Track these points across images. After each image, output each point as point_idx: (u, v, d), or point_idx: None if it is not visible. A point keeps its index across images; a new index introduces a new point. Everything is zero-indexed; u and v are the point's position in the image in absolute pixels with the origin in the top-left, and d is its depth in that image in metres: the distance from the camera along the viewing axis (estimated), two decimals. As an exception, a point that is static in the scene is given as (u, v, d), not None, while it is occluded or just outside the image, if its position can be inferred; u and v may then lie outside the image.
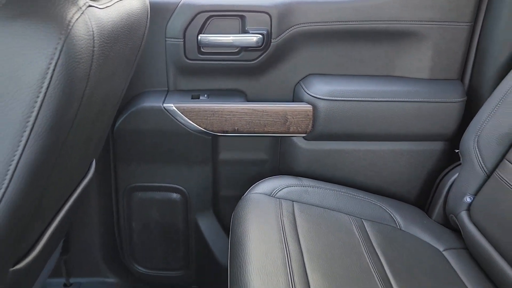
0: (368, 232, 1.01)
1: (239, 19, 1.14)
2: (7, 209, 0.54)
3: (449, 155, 1.20)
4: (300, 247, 0.89)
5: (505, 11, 1.09)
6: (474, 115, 1.09)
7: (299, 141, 1.20)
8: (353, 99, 1.15)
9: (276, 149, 1.24)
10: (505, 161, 0.97)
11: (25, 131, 0.50)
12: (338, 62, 1.20)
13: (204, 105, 1.15)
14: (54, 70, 0.50)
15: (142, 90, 1.21)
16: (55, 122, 0.53)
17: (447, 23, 1.14)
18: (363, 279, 0.84)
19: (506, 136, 0.99)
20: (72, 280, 1.33)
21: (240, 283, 0.78)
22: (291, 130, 1.17)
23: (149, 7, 0.92)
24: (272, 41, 1.15)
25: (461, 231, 1.03)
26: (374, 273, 0.86)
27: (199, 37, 1.14)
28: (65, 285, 1.32)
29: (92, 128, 0.81)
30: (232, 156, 1.24)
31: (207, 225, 1.29)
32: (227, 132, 1.17)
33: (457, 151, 1.14)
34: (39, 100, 0.50)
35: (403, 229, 1.07)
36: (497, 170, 0.98)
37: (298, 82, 1.21)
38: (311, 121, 1.16)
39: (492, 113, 1.04)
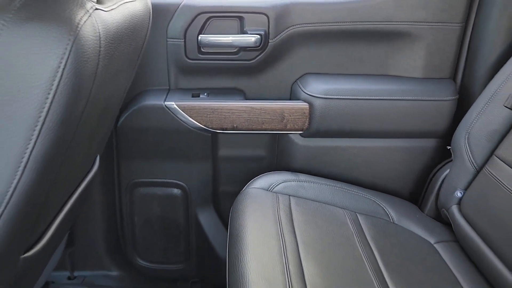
0: (362, 225, 1.04)
1: (238, 20, 1.18)
2: (20, 199, 0.58)
3: (441, 152, 1.24)
4: (296, 238, 0.93)
5: (495, 12, 1.12)
6: (466, 113, 1.13)
7: (296, 138, 1.24)
8: (348, 97, 1.19)
9: (274, 145, 1.28)
10: (494, 156, 1.01)
11: (37, 126, 0.54)
12: (334, 62, 1.24)
13: (204, 103, 1.19)
14: (64, 68, 0.54)
15: (144, 89, 1.24)
16: (65, 118, 0.57)
17: (439, 24, 1.18)
18: (355, 269, 0.88)
19: (495, 133, 1.03)
20: (76, 273, 1.37)
21: (237, 271, 0.82)
22: (288, 127, 1.21)
23: (151, 9, 0.96)
24: (269, 41, 1.18)
25: (452, 225, 1.07)
26: (366, 263, 0.90)
27: (199, 38, 1.18)
28: (69, 278, 1.36)
29: (97, 124, 0.84)
30: (231, 152, 1.28)
31: (207, 219, 1.33)
32: (226, 129, 1.20)
33: (449, 147, 1.18)
34: (50, 96, 0.54)
35: (396, 222, 1.11)
36: (486, 165, 1.02)
37: (295, 81, 1.25)
38: (307, 119, 1.20)
39: (482, 110, 1.08)
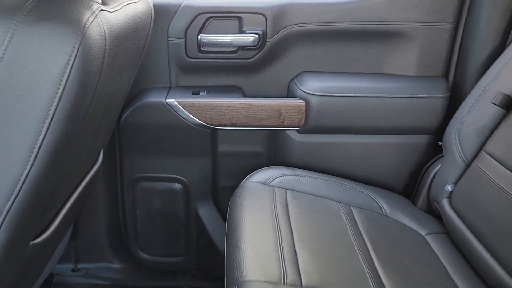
0: (356, 217, 1.08)
1: (237, 20, 1.22)
2: (30, 188, 0.62)
3: (433, 148, 1.28)
4: (291, 229, 0.97)
5: (485, 13, 1.16)
6: (457, 110, 1.17)
7: (293, 134, 1.27)
8: (344, 95, 1.23)
9: (271, 141, 1.32)
10: (482, 152, 1.04)
11: (47, 118, 0.58)
12: (329, 61, 1.28)
13: (204, 100, 1.23)
14: (72, 65, 0.58)
15: (146, 87, 1.28)
16: (72, 112, 0.61)
17: (432, 24, 1.22)
18: (348, 257, 0.92)
19: (484, 129, 1.06)
20: (79, 266, 1.41)
21: (235, 259, 0.86)
22: (285, 123, 1.25)
23: (152, 9, 1.00)
24: (267, 40, 1.22)
25: (443, 218, 1.11)
26: (358, 253, 0.94)
27: (199, 37, 1.22)
28: (73, 270, 1.40)
29: (101, 120, 0.89)
30: (230, 148, 1.32)
31: (206, 213, 1.37)
32: (225, 125, 1.25)
33: (440, 143, 1.22)
34: (60, 91, 0.58)
35: (388, 215, 1.15)
36: (475, 160, 1.06)
37: (292, 79, 1.29)
38: (304, 116, 1.24)
39: (472, 107, 1.12)
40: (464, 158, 1.09)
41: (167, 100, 1.23)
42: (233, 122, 1.24)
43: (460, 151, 1.10)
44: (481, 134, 1.07)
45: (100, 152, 1.08)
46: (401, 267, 0.93)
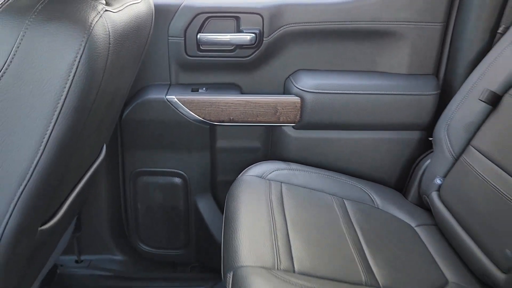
0: (348, 210, 1.13)
1: (235, 19, 1.26)
2: (40, 176, 0.66)
3: (424, 143, 1.32)
4: (285, 219, 1.01)
5: (473, 13, 1.20)
6: (446, 107, 1.21)
7: (289, 130, 1.32)
8: (337, 92, 1.27)
9: (268, 137, 1.36)
10: (470, 146, 1.09)
11: (55, 111, 0.63)
12: (324, 59, 1.32)
13: (203, 97, 1.28)
14: (79, 62, 0.62)
15: (147, 84, 1.33)
16: (78, 105, 0.66)
17: (422, 23, 1.26)
18: (339, 246, 0.96)
19: (471, 125, 1.11)
20: (83, 257, 1.45)
21: (231, 247, 0.90)
22: (281, 119, 1.29)
23: (153, 9, 1.05)
24: (264, 39, 1.27)
25: (432, 210, 1.15)
26: (349, 242, 0.99)
27: (198, 36, 1.26)
28: (76, 261, 1.45)
29: (104, 115, 0.93)
30: (228, 144, 1.36)
31: (205, 207, 1.41)
32: (223, 121, 1.29)
33: (431, 139, 1.26)
34: (67, 86, 0.62)
35: (380, 208, 1.19)
36: (463, 155, 1.10)
37: (288, 77, 1.33)
38: (299, 112, 1.28)
39: (460, 104, 1.16)
40: (453, 153, 1.13)
41: (167, 97, 1.28)
42: (231, 118, 1.29)
43: (449, 146, 1.15)
44: (469, 130, 1.11)
45: (103, 146, 1.12)
46: (390, 256, 0.98)
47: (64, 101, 0.63)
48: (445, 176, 1.15)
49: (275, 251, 0.89)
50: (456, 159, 1.13)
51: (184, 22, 1.25)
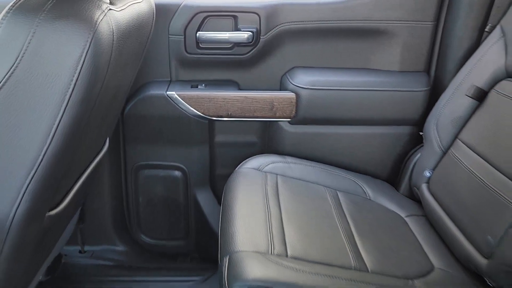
0: (341, 201, 1.18)
1: (232, 18, 1.31)
2: (48, 163, 0.71)
3: (415, 138, 1.37)
4: (280, 209, 1.06)
5: (462, 13, 1.25)
6: (436, 102, 1.26)
7: (285, 125, 1.37)
8: (332, 88, 1.32)
9: (265, 132, 1.41)
10: (457, 140, 1.14)
11: (64, 102, 0.68)
12: (319, 56, 1.37)
13: (202, 93, 1.32)
14: (85, 57, 0.67)
15: (148, 80, 1.38)
16: (85, 98, 0.71)
17: (413, 23, 1.31)
18: (331, 233, 1.01)
19: (459, 119, 1.15)
20: (86, 248, 1.50)
21: (227, 233, 0.95)
22: (277, 115, 1.34)
23: (154, 9, 1.10)
24: (261, 37, 1.32)
25: (421, 201, 1.20)
26: (341, 230, 1.03)
27: (197, 34, 1.31)
28: (80, 251, 1.50)
29: (108, 109, 0.98)
30: (226, 138, 1.41)
31: (204, 199, 1.46)
32: (221, 116, 1.34)
33: (421, 133, 1.31)
34: (74, 79, 0.67)
35: (372, 199, 1.24)
36: (451, 148, 1.15)
37: (284, 74, 1.38)
38: (294, 107, 1.33)
39: (449, 100, 1.21)
40: (441, 146, 1.18)
41: (167, 92, 1.33)
42: (229, 113, 1.33)
43: (438, 140, 1.19)
44: (456, 124, 1.16)
45: (106, 139, 1.17)
46: (379, 243, 1.03)
47: (71, 94, 0.68)
48: (434, 169, 1.19)
49: (269, 237, 0.94)
50: (445, 153, 1.17)
51: (184, 20, 1.30)
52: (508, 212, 0.88)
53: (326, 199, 1.17)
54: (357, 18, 1.31)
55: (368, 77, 1.34)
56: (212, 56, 1.34)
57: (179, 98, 1.32)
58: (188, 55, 1.34)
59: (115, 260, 1.50)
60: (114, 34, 0.75)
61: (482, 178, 0.98)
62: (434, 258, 1.01)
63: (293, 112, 1.34)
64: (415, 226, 1.14)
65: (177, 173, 1.44)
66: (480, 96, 1.11)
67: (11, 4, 0.67)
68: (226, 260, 0.88)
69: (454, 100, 1.19)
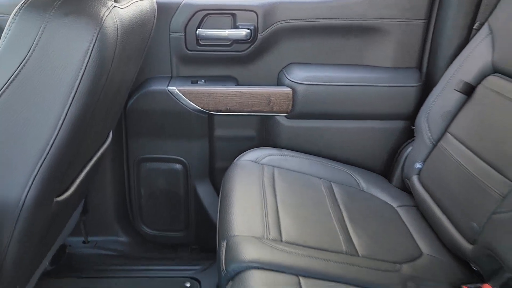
0: (334, 191, 1.22)
1: (231, 16, 1.36)
2: (57, 151, 0.76)
3: (408, 132, 1.42)
4: (276, 198, 1.11)
5: (452, 11, 1.30)
6: (427, 97, 1.31)
7: (281, 119, 1.42)
8: (327, 83, 1.37)
9: (262, 126, 1.46)
10: (447, 133, 1.18)
11: (71, 92, 0.72)
12: (315, 53, 1.42)
13: (202, 88, 1.37)
14: (92, 51, 0.72)
15: (149, 76, 1.43)
16: (91, 89, 0.75)
17: (406, 20, 1.36)
18: (324, 221, 1.06)
19: (448, 113, 1.20)
20: (89, 238, 1.55)
21: (225, 220, 1.00)
22: (274, 109, 1.39)
23: (156, 7, 1.15)
24: (258, 35, 1.37)
25: (412, 192, 1.25)
26: (334, 218, 1.08)
27: (197, 32, 1.36)
28: (83, 242, 1.55)
29: (111, 102, 1.03)
30: (225, 132, 1.46)
31: (204, 191, 1.51)
32: (220, 111, 1.39)
33: (413, 127, 1.35)
34: (81, 71, 0.72)
35: (365, 190, 1.29)
36: (441, 141, 1.20)
37: (281, 70, 1.43)
38: (291, 102, 1.38)
39: (439, 95, 1.26)
40: (432, 139, 1.22)
41: (169, 88, 1.37)
42: (228, 108, 1.38)
43: (428, 133, 1.24)
44: (446, 118, 1.20)
45: (109, 132, 1.22)
46: (371, 230, 1.07)
47: (78, 85, 0.73)
48: (424, 161, 1.24)
49: (265, 223, 0.99)
50: (435, 145, 1.22)
51: (184, 18, 1.35)
52: (491, 200, 0.93)
53: (321, 189, 1.21)
54: (352, 16, 1.35)
55: (362, 73, 1.39)
56: (211, 53, 1.39)
57: (180, 93, 1.37)
58: (189, 51, 1.39)
59: (118, 250, 1.55)
60: (119, 29, 0.80)
61: (468, 168, 1.03)
62: (423, 245, 1.06)
63: (290, 106, 1.39)
64: (405, 215, 1.19)
65: (177, 166, 1.48)
66: (469, 90, 1.15)
67: (23, 1, 0.72)
68: (224, 244, 0.93)
69: (444, 95, 1.24)
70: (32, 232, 0.84)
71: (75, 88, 0.73)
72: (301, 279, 0.83)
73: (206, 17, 1.36)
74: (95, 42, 0.72)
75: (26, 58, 0.70)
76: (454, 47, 1.31)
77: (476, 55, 1.18)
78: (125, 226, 1.58)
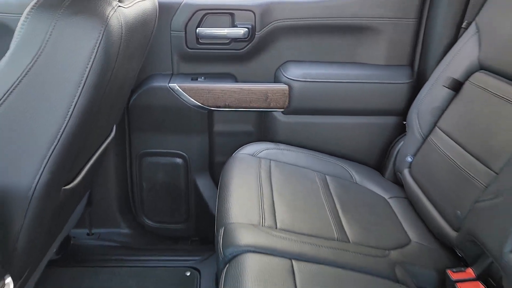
0: (329, 183, 1.28)
1: (230, 15, 1.42)
2: (66, 140, 0.81)
3: (400, 127, 1.47)
4: (272, 189, 1.16)
5: (442, 10, 1.35)
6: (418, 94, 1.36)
7: (278, 115, 1.47)
8: (322, 80, 1.43)
9: (260, 121, 1.51)
10: (436, 128, 1.24)
11: (79, 86, 0.78)
12: (310, 51, 1.47)
13: (202, 85, 1.43)
14: (98, 47, 0.78)
15: (151, 73, 1.48)
16: (97, 83, 0.81)
17: (398, 20, 1.41)
18: (317, 210, 1.11)
19: (437, 109, 1.25)
20: (93, 230, 1.61)
21: (223, 209, 1.06)
22: (271, 105, 1.45)
23: (157, 7, 1.20)
24: (256, 33, 1.42)
25: (403, 184, 1.30)
26: (327, 208, 1.14)
27: (197, 30, 1.41)
28: (88, 234, 1.60)
29: (115, 97, 1.08)
30: (224, 127, 1.52)
31: (204, 185, 1.57)
32: (219, 107, 1.44)
33: (405, 123, 1.41)
34: (89, 66, 0.78)
35: (358, 183, 1.34)
36: (430, 135, 1.25)
37: (278, 67, 1.48)
38: (287, 98, 1.44)
39: (429, 91, 1.31)
40: (422, 134, 1.28)
41: (170, 84, 1.43)
42: (227, 104, 1.44)
43: (419, 128, 1.29)
44: (435, 113, 1.26)
45: (113, 127, 1.28)
46: (362, 220, 1.13)
47: (86, 78, 0.78)
48: (415, 155, 1.29)
49: (261, 212, 1.05)
50: (425, 140, 1.27)
51: (185, 18, 1.41)
52: (475, 190, 0.98)
53: (315, 181, 1.27)
54: (346, 15, 1.41)
55: (355, 71, 1.44)
56: (211, 51, 1.45)
57: (181, 90, 1.43)
58: (189, 49, 1.44)
59: (120, 242, 1.60)
60: (123, 28, 0.85)
61: (455, 160, 1.08)
62: (412, 233, 1.12)
63: (286, 102, 1.44)
64: (396, 206, 1.24)
65: (178, 160, 1.54)
66: (456, 87, 1.20)
67: (34, 2, 0.77)
68: (221, 231, 0.98)
69: (434, 91, 1.29)
70: (42, 219, 0.89)
71: (82, 82, 0.78)
72: (293, 262, 0.88)
73: (206, 17, 1.41)
74: (101, 40, 0.78)
75: (38, 53, 0.75)
76: (444, 45, 1.37)
77: (464, 53, 1.23)
78: (128, 219, 1.63)
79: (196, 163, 1.54)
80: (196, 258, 1.52)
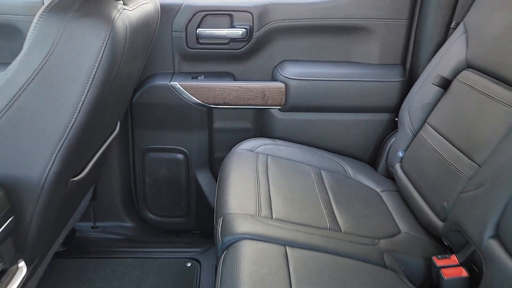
0: (323, 177, 1.33)
1: (228, 16, 1.47)
2: (74, 134, 0.87)
3: (392, 123, 1.53)
4: (268, 182, 1.22)
5: (432, 11, 1.41)
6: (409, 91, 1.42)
7: (276, 112, 1.53)
8: (317, 79, 1.48)
9: (258, 118, 1.57)
10: (426, 124, 1.29)
11: (88, 83, 0.83)
12: (306, 51, 1.53)
13: (202, 83, 1.49)
14: (105, 48, 0.83)
15: (153, 72, 1.54)
16: (104, 80, 0.87)
17: (390, 20, 1.47)
18: (311, 202, 1.17)
19: (427, 106, 1.31)
20: (98, 224, 1.67)
21: (222, 200, 1.11)
22: (268, 103, 1.50)
23: (159, 8, 1.26)
24: (254, 34, 1.48)
25: (395, 178, 1.36)
26: (321, 200, 1.19)
27: (197, 31, 1.47)
28: (92, 227, 1.66)
29: (120, 95, 1.14)
30: (223, 124, 1.57)
31: (204, 179, 1.62)
32: (219, 104, 1.50)
33: (397, 119, 1.46)
34: (96, 65, 0.83)
35: (351, 177, 1.40)
36: (420, 131, 1.31)
37: (275, 66, 1.54)
38: (284, 96, 1.49)
39: (419, 89, 1.37)
40: (412, 130, 1.33)
41: (171, 83, 1.49)
42: (225, 101, 1.50)
43: (410, 124, 1.35)
44: (425, 110, 1.31)
45: (117, 123, 1.34)
46: (354, 211, 1.18)
47: (94, 76, 0.84)
48: (406, 150, 1.35)
49: (257, 203, 1.11)
50: (415, 135, 1.33)
51: (185, 19, 1.46)
52: (460, 181, 1.04)
53: (310, 175, 1.32)
54: (340, 16, 1.46)
55: (349, 69, 1.50)
56: (210, 51, 1.51)
57: (181, 88, 1.48)
58: (189, 49, 1.50)
59: (124, 235, 1.66)
60: (127, 29, 0.91)
61: (443, 154, 1.14)
62: (401, 224, 1.17)
63: (283, 100, 1.50)
64: (388, 199, 1.30)
65: (179, 155, 1.59)
66: (445, 84, 1.26)
67: (45, 6, 0.83)
68: (220, 221, 1.04)
69: (424, 89, 1.35)
70: (51, 209, 0.95)
71: (90, 79, 0.84)
72: (287, 248, 0.94)
73: (206, 18, 1.47)
74: (107, 40, 0.83)
75: (49, 53, 0.81)
76: (434, 44, 1.42)
77: (452, 52, 1.29)
78: (131, 213, 1.69)
79: (197, 159, 1.60)
80: (197, 250, 1.58)
